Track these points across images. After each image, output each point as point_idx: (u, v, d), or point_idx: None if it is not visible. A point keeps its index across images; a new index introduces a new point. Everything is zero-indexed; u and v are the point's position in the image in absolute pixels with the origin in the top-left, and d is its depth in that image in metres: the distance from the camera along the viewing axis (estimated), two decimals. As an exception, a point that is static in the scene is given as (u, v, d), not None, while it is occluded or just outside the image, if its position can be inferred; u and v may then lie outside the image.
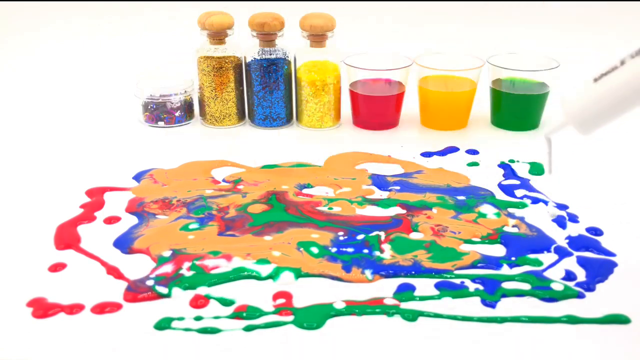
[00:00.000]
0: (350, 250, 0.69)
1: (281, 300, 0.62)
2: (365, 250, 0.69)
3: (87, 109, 1.12)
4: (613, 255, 0.68)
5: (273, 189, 0.82)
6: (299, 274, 0.65)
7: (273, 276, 0.65)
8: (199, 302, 0.61)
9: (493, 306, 0.61)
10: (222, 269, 0.66)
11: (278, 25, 0.96)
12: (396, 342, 0.57)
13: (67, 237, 0.72)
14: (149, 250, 0.69)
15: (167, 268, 0.66)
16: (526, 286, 0.64)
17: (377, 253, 0.68)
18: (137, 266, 0.67)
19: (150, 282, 0.64)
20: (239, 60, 1.01)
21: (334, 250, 0.69)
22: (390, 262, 0.67)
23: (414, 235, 0.72)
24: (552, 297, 0.62)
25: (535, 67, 0.98)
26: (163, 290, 0.62)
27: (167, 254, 0.68)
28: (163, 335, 0.58)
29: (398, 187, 0.82)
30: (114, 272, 0.66)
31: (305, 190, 0.82)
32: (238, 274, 0.65)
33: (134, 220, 0.75)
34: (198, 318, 0.59)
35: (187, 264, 0.66)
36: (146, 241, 0.71)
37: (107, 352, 0.56)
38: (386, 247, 0.70)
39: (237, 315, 0.60)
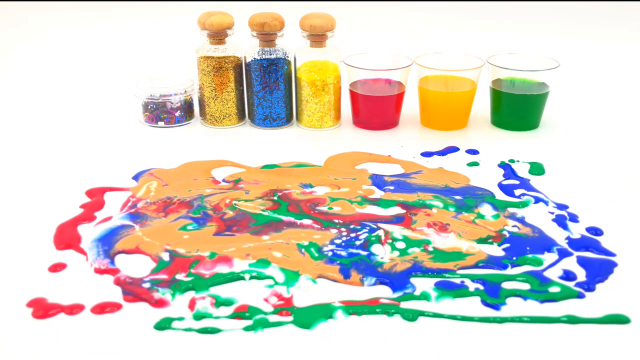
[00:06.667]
0: (351, 251, 0.69)
1: (281, 301, 0.62)
2: (365, 253, 0.69)
3: (86, 109, 1.12)
4: (613, 255, 0.69)
5: (275, 187, 0.82)
6: (297, 276, 0.65)
7: (288, 282, 0.65)
8: (198, 302, 0.61)
9: (497, 308, 0.61)
10: (222, 271, 0.66)
11: (278, 25, 0.96)
12: (396, 342, 0.57)
13: (67, 237, 0.72)
14: (139, 248, 0.69)
15: (164, 274, 0.65)
16: (526, 286, 0.64)
17: (377, 258, 0.68)
18: (137, 267, 0.67)
19: (147, 285, 0.64)
20: (239, 60, 1.01)
21: (330, 254, 0.69)
22: (390, 266, 0.67)
23: (416, 234, 0.72)
24: (552, 298, 0.62)
25: (535, 67, 0.98)
26: (167, 297, 0.62)
27: (165, 255, 0.69)
28: (163, 335, 0.58)
29: (392, 187, 0.83)
30: (114, 272, 0.66)
31: (308, 190, 0.82)
32: (237, 277, 0.65)
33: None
34: (198, 318, 0.59)
35: (184, 273, 0.66)
36: (137, 240, 0.71)
37: (107, 352, 0.56)
38: (387, 248, 0.70)
39: (237, 315, 0.60)
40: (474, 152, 0.94)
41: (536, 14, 1.68)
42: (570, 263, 0.67)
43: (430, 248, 0.70)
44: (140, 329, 0.58)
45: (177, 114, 1.03)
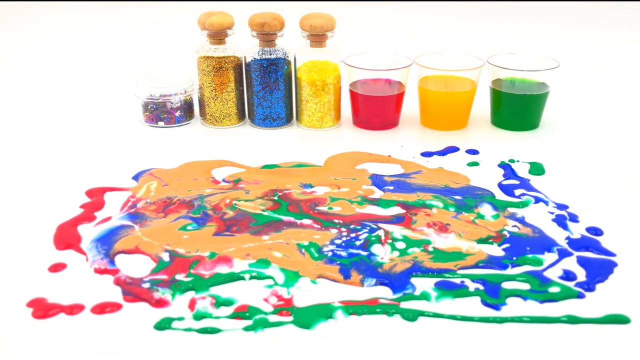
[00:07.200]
0: (351, 252, 0.69)
1: (280, 301, 0.62)
2: (365, 253, 0.69)
3: (86, 109, 1.12)
4: (613, 255, 0.69)
5: (275, 187, 0.82)
6: (297, 276, 0.65)
7: (287, 282, 0.65)
8: (198, 302, 0.61)
9: (498, 308, 0.61)
10: (221, 271, 0.66)
11: (278, 25, 0.96)
12: (396, 342, 0.57)
13: (67, 237, 0.72)
14: (138, 248, 0.69)
15: (164, 275, 0.65)
16: (526, 286, 0.64)
17: (378, 258, 0.68)
18: (137, 267, 0.67)
19: (146, 285, 0.64)
20: (239, 60, 1.01)
21: (330, 254, 0.69)
22: (389, 266, 0.67)
23: (416, 234, 0.72)
24: (552, 298, 0.62)
25: (535, 67, 0.98)
26: (167, 297, 0.62)
27: (165, 256, 0.69)
28: (163, 335, 0.58)
29: (392, 187, 0.83)
30: (113, 272, 0.66)
31: (308, 190, 0.82)
32: (237, 277, 0.65)
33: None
34: (198, 318, 0.59)
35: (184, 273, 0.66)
36: (137, 240, 0.71)
37: (108, 352, 0.56)
38: (387, 248, 0.70)
39: (237, 315, 0.60)
40: (474, 152, 0.94)
41: (536, 14, 1.68)
42: (570, 263, 0.67)
43: (430, 248, 0.70)
44: (140, 329, 0.58)
45: (177, 114, 1.03)
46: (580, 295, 0.62)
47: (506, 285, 0.64)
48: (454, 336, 0.58)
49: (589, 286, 0.63)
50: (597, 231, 0.73)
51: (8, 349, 0.56)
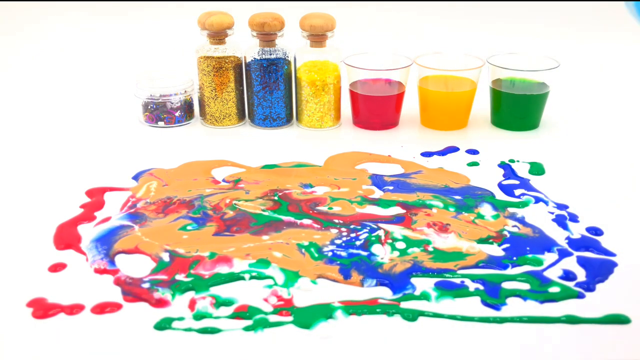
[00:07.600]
0: (351, 252, 0.69)
1: (280, 301, 0.62)
2: (365, 253, 0.69)
3: (86, 109, 1.12)
4: (613, 255, 0.69)
5: (275, 187, 0.82)
6: (297, 276, 0.65)
7: (287, 282, 0.65)
8: (198, 302, 0.61)
9: (498, 308, 0.61)
10: (222, 271, 0.66)
11: (278, 25, 0.96)
12: (396, 342, 0.57)
13: (67, 237, 0.72)
14: (138, 248, 0.69)
15: (164, 275, 0.65)
16: (526, 286, 0.64)
17: (378, 258, 0.68)
18: (137, 267, 0.67)
19: (146, 285, 0.64)
20: (239, 60, 1.01)
21: (330, 254, 0.69)
22: (389, 266, 0.67)
23: (416, 234, 0.72)
24: (552, 298, 0.62)
25: (535, 67, 0.98)
26: (167, 297, 0.62)
27: (165, 256, 0.68)
28: (163, 335, 0.58)
29: (391, 187, 0.83)
30: (113, 272, 0.66)
31: (308, 190, 0.82)
32: (237, 277, 0.65)
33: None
34: (198, 318, 0.59)
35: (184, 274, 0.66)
36: (136, 240, 0.71)
37: (108, 352, 0.56)
38: (387, 248, 0.70)
39: (237, 315, 0.60)
40: (474, 152, 0.94)
41: (536, 14, 1.68)
42: (570, 263, 0.67)
43: (430, 248, 0.70)
44: (140, 329, 0.58)
45: (177, 114, 1.03)
46: (580, 295, 0.62)
47: (506, 285, 0.64)
48: (454, 336, 0.58)
49: (589, 286, 0.63)
50: (597, 231, 0.73)
51: (8, 349, 0.56)
